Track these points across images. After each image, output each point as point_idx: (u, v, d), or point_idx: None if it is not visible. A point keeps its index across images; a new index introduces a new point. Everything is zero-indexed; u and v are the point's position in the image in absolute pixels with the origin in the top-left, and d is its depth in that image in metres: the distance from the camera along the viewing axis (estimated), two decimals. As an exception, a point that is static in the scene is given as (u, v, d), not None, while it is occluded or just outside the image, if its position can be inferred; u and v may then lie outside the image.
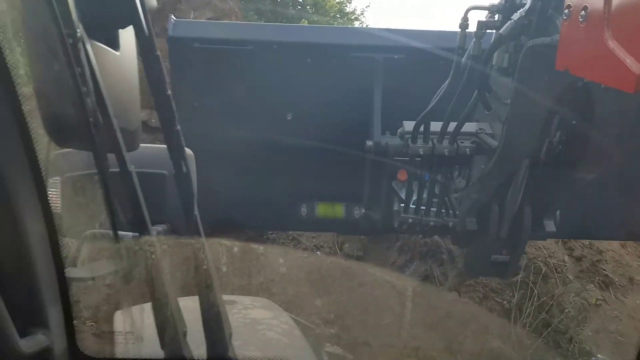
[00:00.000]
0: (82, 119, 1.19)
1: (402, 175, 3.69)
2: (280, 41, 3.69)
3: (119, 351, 1.53)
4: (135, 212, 1.37)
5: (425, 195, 3.56)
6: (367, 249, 5.18)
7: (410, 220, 3.61)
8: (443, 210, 3.57)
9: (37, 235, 1.28)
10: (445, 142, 3.35)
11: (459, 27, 3.20)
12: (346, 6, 19.03)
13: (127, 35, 1.38)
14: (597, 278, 4.87)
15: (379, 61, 3.76)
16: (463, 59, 3.10)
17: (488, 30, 2.99)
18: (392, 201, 3.77)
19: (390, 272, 4.86)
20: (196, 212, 1.43)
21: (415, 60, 3.70)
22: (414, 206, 3.61)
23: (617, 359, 3.92)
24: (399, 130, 3.52)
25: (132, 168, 1.33)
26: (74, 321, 1.41)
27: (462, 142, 3.35)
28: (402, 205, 3.65)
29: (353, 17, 19.14)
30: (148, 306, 1.48)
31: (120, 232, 1.43)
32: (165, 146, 1.49)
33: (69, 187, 1.59)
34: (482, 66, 2.97)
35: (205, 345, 1.54)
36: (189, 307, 1.59)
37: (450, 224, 3.57)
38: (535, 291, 4.46)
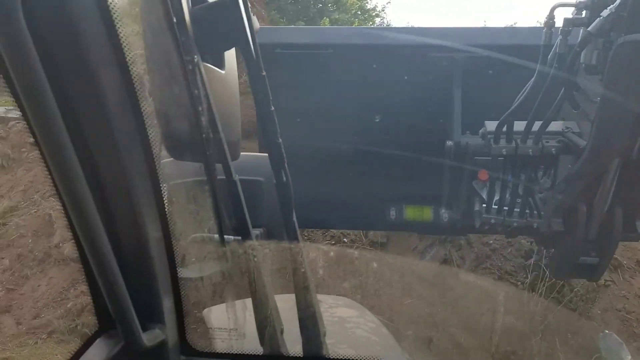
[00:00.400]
0: (196, 134, 1.30)
1: (483, 175, 3.65)
2: (360, 44, 3.75)
3: (223, 346, 1.65)
4: (239, 217, 1.47)
5: (508, 196, 3.51)
6: (390, 236, 5.48)
7: (492, 221, 3.57)
8: (527, 211, 3.51)
9: (155, 238, 1.40)
10: (529, 142, 3.29)
11: (544, 25, 3.14)
12: (367, 3, 18.77)
13: (229, 53, 1.49)
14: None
15: (458, 60, 3.74)
16: (549, 57, 3.04)
17: (574, 27, 2.92)
18: (473, 201, 3.75)
19: (412, 257, 5.25)
20: (294, 219, 1.52)
21: (496, 59, 3.65)
22: (496, 207, 3.57)
23: (624, 334, 4.03)
24: (480, 131, 3.49)
25: (236, 177, 1.43)
26: (185, 318, 1.53)
27: (547, 142, 3.27)
28: (484, 205, 3.61)
29: (374, 14, 18.86)
30: (249, 305, 1.59)
31: (225, 236, 1.55)
32: (261, 154, 1.59)
33: (176, 193, 1.73)
34: (569, 64, 2.90)
35: (301, 343, 1.63)
36: (285, 307, 1.69)
37: (535, 225, 3.50)
38: (547, 273, 4.66)
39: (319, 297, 2.98)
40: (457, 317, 4.40)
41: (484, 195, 3.66)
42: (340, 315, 2.48)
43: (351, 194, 3.76)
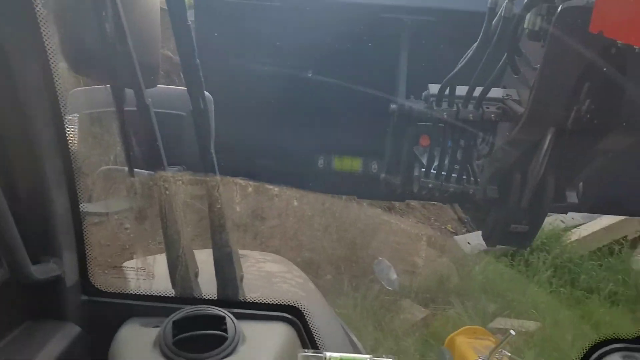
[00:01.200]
0: (100, 46, 1.18)
1: (424, 141, 3.64)
2: None
3: (130, 286, 1.55)
4: (152, 149, 1.37)
5: (447, 161, 3.51)
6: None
7: (430, 186, 3.57)
8: (464, 177, 3.53)
9: (54, 169, 1.28)
10: (471, 107, 3.28)
11: None
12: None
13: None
14: (384, 205, 6.15)
15: (406, 23, 3.68)
16: (494, 22, 3.01)
17: None
18: (412, 166, 3.74)
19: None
20: (212, 151, 1.43)
21: (444, 23, 3.61)
22: (434, 172, 3.57)
23: (394, 259, 4.85)
24: (423, 94, 3.46)
25: (149, 102, 1.32)
26: (87, 255, 1.42)
27: (487, 108, 3.27)
28: (423, 170, 3.61)
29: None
30: (161, 245, 1.49)
31: (136, 170, 1.44)
32: (184, 88, 1.47)
33: (86, 124, 1.59)
34: (512, 29, 2.88)
35: (216, 286, 1.55)
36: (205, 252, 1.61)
37: (471, 191, 3.53)
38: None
39: (248, 252, 2.92)
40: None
41: (424, 161, 3.65)
42: (268, 269, 2.41)
43: (281, 144, 3.68)
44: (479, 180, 3.50)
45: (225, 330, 1.31)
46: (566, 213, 4.87)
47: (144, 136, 1.34)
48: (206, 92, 1.55)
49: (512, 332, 2.43)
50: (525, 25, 2.90)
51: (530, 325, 4.50)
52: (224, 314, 1.34)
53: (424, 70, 3.65)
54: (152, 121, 1.32)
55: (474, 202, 3.65)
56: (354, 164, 3.77)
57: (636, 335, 1.47)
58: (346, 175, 3.82)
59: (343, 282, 4.76)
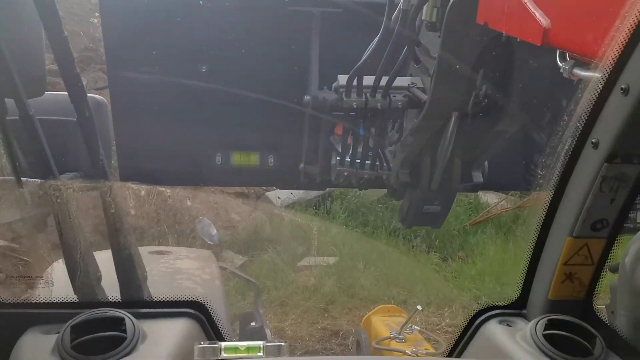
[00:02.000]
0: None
1: (339, 130, 3.75)
2: None
3: (29, 295, 1.56)
4: (39, 159, 1.38)
5: (360, 149, 3.64)
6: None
7: (345, 173, 3.69)
8: (378, 163, 3.66)
9: None
10: (379, 96, 3.41)
11: None
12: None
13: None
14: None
15: (316, 15, 3.75)
16: (394, 13, 3.13)
17: None
18: (330, 156, 3.84)
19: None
20: (102, 156, 1.45)
21: (352, 15, 3.71)
22: (349, 160, 3.68)
23: (215, 220, 5.56)
24: (334, 85, 3.56)
25: (32, 112, 1.33)
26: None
27: (394, 96, 3.41)
28: (339, 158, 3.72)
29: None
30: (60, 252, 1.51)
31: (26, 179, 1.44)
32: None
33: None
34: (410, 21, 3.01)
35: (119, 289, 1.59)
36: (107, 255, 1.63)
37: (385, 177, 3.67)
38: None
39: (171, 248, 2.94)
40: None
41: (340, 149, 3.76)
42: (179, 266, 2.46)
43: (179, 144, 3.68)
44: (391, 165, 3.65)
45: (125, 331, 1.35)
46: (476, 192, 5.15)
47: (30, 145, 1.35)
48: (100, 97, 1.57)
49: (419, 307, 2.60)
50: (423, 17, 3.04)
51: (331, 259, 5.47)
52: (122, 315, 1.37)
53: (336, 61, 3.74)
54: (36, 130, 1.33)
55: (389, 187, 3.81)
56: (251, 159, 3.82)
57: (510, 302, 1.63)
58: (244, 170, 3.85)
59: (168, 243, 5.20)
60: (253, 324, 3.20)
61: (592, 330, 1.41)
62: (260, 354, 1.28)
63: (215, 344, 1.29)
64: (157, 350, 1.34)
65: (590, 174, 1.34)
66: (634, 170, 1.31)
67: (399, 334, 2.57)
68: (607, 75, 1.27)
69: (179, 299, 1.58)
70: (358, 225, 6.34)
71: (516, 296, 1.64)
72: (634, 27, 1.18)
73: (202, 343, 1.29)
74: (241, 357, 1.26)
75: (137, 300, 1.56)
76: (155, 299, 1.60)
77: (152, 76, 3.47)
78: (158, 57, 3.55)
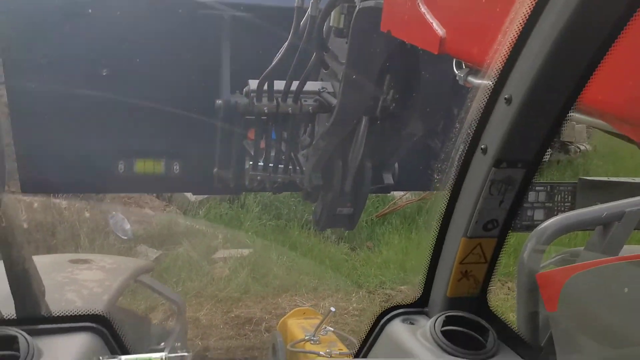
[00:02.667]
0: None
1: (252, 134, 3.74)
2: None
3: None
4: None
5: (273, 153, 3.65)
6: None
7: (259, 178, 3.69)
8: (290, 167, 3.69)
9: None
10: (290, 101, 3.44)
11: None
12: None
13: None
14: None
15: (226, 19, 3.72)
16: (302, 20, 3.17)
17: None
18: (243, 160, 3.83)
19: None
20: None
21: (262, 19, 3.71)
22: (262, 164, 3.69)
23: (128, 215, 5.45)
24: (245, 89, 3.55)
25: None
26: None
27: (305, 101, 3.45)
28: (252, 163, 3.71)
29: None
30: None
31: None
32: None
33: None
34: (318, 26, 3.06)
35: (14, 304, 1.51)
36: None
37: (298, 180, 3.71)
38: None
39: (93, 256, 2.84)
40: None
41: (253, 154, 3.75)
42: (84, 276, 2.36)
43: (81, 152, 3.55)
44: (304, 169, 3.69)
45: (18, 349, 1.29)
46: (388, 193, 5.32)
47: None
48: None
49: (333, 309, 2.65)
50: (331, 23, 3.10)
51: (244, 251, 5.65)
52: (15, 334, 1.31)
53: (248, 65, 3.73)
54: None
55: (303, 190, 3.85)
56: (156, 166, 3.75)
57: (413, 301, 1.70)
58: (148, 178, 3.77)
59: (80, 239, 5.27)
60: (178, 344, 3.08)
61: (485, 324, 1.50)
62: (163, 366, 1.26)
63: (115, 357, 1.25)
64: (53, 368, 1.29)
65: (480, 177, 1.43)
66: (519, 173, 1.42)
67: (314, 335, 2.60)
68: (493, 84, 1.36)
69: (80, 312, 1.52)
70: (272, 219, 6.50)
71: (419, 295, 1.71)
72: (515, 41, 1.27)
73: (101, 358, 1.26)
74: (143, 370, 1.24)
75: (33, 317, 1.48)
76: (54, 314, 1.53)
77: (51, 82, 3.31)
78: (57, 62, 3.40)
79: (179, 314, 3.40)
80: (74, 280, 2.33)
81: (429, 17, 2.23)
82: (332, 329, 2.67)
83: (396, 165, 3.93)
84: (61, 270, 2.56)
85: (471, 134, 1.45)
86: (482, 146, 1.41)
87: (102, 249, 5.21)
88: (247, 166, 3.80)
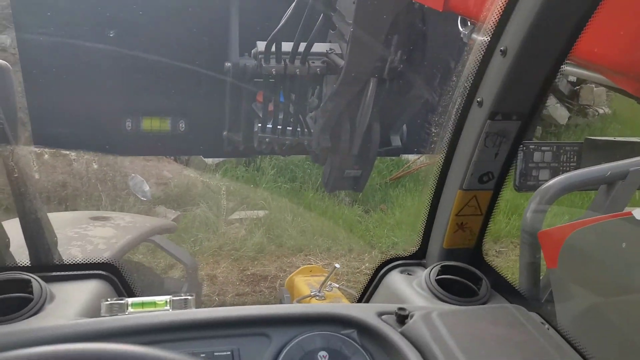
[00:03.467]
0: None
1: (260, 97, 3.76)
2: None
3: None
4: None
5: (281, 116, 3.68)
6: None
7: (267, 140, 3.73)
8: (299, 130, 3.72)
9: None
10: (297, 63, 3.45)
11: None
12: None
13: None
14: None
15: None
16: None
17: None
18: (252, 123, 3.86)
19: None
20: (2, 120, 1.42)
21: None
22: (271, 126, 3.72)
23: (147, 177, 5.76)
24: (252, 51, 3.56)
25: None
26: None
27: (313, 62, 3.46)
28: (260, 125, 3.75)
29: None
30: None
31: None
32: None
33: None
34: None
35: (28, 252, 1.58)
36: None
37: (306, 142, 3.74)
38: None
39: (109, 213, 2.91)
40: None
41: (261, 116, 3.78)
42: (97, 233, 2.44)
43: (89, 109, 3.61)
44: (312, 131, 3.72)
45: (32, 292, 1.36)
46: (397, 155, 5.33)
47: None
48: (3, 62, 1.54)
49: (337, 265, 2.71)
50: (338, -17, 3.09)
51: (260, 213, 5.80)
52: (28, 277, 1.38)
53: (258, 27, 3.73)
54: None
55: (311, 152, 3.89)
56: (162, 124, 3.79)
57: (411, 253, 1.74)
58: (157, 139, 3.82)
59: (101, 200, 5.39)
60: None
61: (479, 273, 1.55)
62: (167, 307, 1.32)
63: (122, 300, 1.32)
64: (65, 308, 1.36)
65: (476, 130, 1.45)
66: (513, 126, 1.44)
67: (319, 291, 2.67)
68: (489, 37, 1.37)
69: (90, 261, 1.59)
70: (287, 181, 6.58)
71: (417, 247, 1.76)
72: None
73: (109, 299, 1.32)
74: (148, 311, 1.30)
75: (46, 264, 1.56)
76: (66, 262, 1.61)
77: (61, 40, 3.36)
78: (67, 22, 3.43)
79: (188, 274, 3.50)
80: (91, 233, 2.41)
81: (434, -25, 2.23)
82: (337, 285, 2.74)
83: (404, 127, 3.94)
84: (80, 225, 2.66)
85: (467, 87, 1.47)
86: (478, 99, 1.43)
87: (122, 209, 5.39)
88: (255, 129, 3.83)
